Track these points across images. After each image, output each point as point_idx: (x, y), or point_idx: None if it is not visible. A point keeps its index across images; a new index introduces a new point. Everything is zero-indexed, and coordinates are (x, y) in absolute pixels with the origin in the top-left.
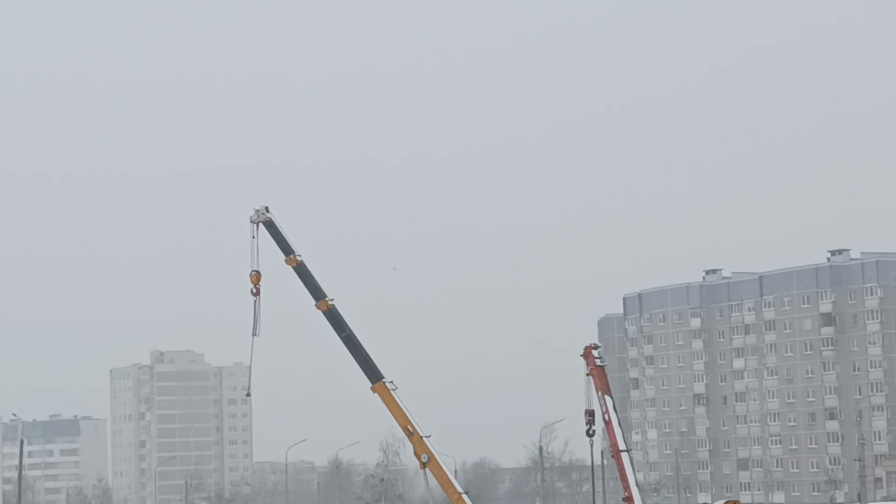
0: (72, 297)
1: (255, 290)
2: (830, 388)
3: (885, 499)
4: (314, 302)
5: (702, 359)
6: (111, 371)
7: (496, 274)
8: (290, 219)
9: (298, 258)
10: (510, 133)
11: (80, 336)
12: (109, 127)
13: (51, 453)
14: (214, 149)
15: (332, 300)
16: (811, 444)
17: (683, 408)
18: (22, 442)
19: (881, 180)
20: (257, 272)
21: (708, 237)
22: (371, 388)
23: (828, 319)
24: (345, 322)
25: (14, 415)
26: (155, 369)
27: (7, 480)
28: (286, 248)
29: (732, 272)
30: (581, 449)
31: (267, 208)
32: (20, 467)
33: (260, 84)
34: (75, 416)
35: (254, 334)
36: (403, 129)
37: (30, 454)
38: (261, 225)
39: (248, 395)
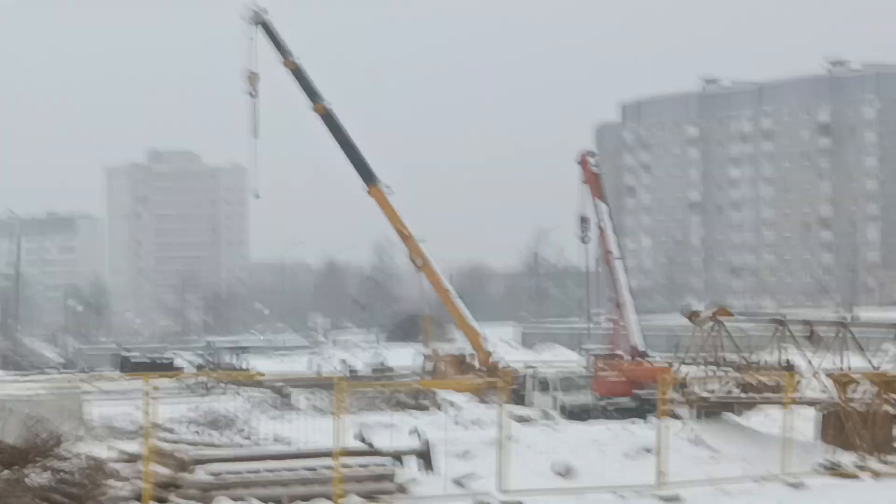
0: (68, 93)
1: (252, 92)
2: (825, 197)
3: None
4: (311, 105)
5: (698, 168)
6: (108, 170)
7: (489, 77)
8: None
9: (296, 61)
10: None
11: (74, 133)
12: None
13: (48, 251)
14: None
15: (329, 104)
16: (805, 253)
17: (679, 216)
18: (19, 238)
19: None
20: (254, 73)
21: (707, 46)
22: (367, 192)
23: (825, 130)
24: (341, 125)
25: (12, 211)
26: (152, 169)
27: (5, 277)
28: (283, 50)
29: (732, 82)
30: (576, 255)
31: (265, 10)
32: (17, 265)
33: None
34: (71, 214)
35: (254, 136)
36: None
37: (27, 251)
38: (261, 26)
39: (258, 196)
